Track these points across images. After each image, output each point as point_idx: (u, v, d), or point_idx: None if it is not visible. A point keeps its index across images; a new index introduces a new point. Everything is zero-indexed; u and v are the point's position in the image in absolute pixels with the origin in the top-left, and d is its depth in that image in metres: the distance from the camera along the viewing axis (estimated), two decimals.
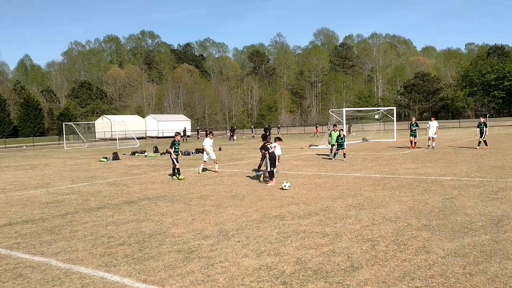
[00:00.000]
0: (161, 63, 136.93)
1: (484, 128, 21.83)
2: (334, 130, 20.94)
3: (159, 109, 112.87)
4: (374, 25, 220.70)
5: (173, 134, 71.34)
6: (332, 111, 36.20)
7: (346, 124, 34.34)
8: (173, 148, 15.43)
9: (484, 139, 21.87)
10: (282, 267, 5.50)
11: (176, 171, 15.22)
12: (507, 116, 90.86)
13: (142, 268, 5.74)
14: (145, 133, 70.78)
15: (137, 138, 49.54)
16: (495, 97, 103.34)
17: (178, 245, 6.75)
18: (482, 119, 22.09)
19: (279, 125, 60.30)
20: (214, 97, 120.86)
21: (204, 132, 57.38)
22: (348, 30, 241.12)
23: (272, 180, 13.00)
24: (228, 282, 5.09)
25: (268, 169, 13.20)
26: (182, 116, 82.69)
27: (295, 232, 7.18)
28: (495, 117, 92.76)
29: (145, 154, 29.60)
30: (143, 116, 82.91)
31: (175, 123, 72.58)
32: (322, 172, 15.32)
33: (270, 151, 13.32)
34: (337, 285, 4.83)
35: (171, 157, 15.43)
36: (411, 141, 24.34)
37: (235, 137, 52.49)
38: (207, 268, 5.62)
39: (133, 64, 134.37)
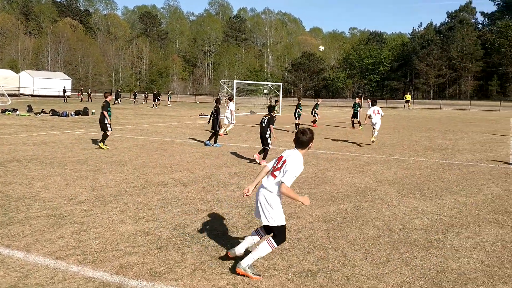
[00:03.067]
0: (40, 15, 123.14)
1: (358, 108, 23.26)
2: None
3: (36, 65, 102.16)
4: (267, 1, 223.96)
5: (50, 93, 64.66)
6: (223, 82, 36.41)
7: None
8: (107, 111, 12.99)
9: (358, 119, 22.83)
10: (160, 233, 5.50)
11: (104, 137, 12.94)
12: (379, 99, 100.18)
13: (6, 233, 5.30)
14: (19, 90, 63.82)
15: (9, 95, 44.48)
16: (371, 80, 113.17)
17: (48, 210, 6.34)
18: (357, 100, 23.55)
19: (170, 92, 58.75)
20: (100, 56, 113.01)
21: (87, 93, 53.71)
22: (242, 2, 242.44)
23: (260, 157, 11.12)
24: (101, 247, 4.95)
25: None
26: (61, 74, 75.96)
27: (177, 199, 7.19)
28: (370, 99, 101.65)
29: (17, 113, 26.90)
30: (17, 72, 74.43)
31: (54, 81, 66.55)
32: (209, 141, 15.43)
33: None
34: (212, 248, 5.00)
35: (105, 121, 12.88)
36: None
37: (120, 100, 50.11)
38: (79, 233, 5.39)
39: (8, 13, 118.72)
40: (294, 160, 4.15)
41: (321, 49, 9.91)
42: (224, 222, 6.03)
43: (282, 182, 4.10)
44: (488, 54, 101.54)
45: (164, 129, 19.84)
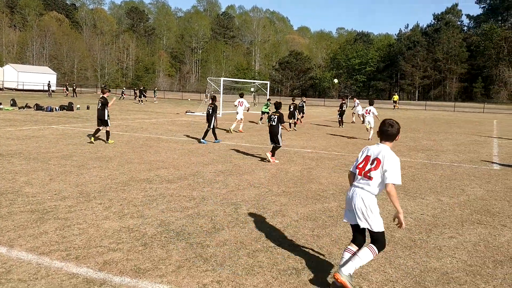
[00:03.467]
0: (26, 8, 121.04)
1: (344, 107, 23.54)
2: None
3: (21, 59, 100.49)
4: None
5: (35, 88, 63.64)
6: (210, 79, 36.30)
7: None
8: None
9: (340, 119, 23.22)
10: (144, 229, 5.46)
11: (108, 134, 13.28)
12: (365, 99, 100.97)
13: None
14: (2, 84, 62.75)
15: None
16: (357, 80, 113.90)
17: (32, 205, 6.25)
18: (343, 100, 23.83)
19: (155, 88, 58.21)
20: (85, 51, 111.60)
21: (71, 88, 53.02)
22: (231, 0, 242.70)
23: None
24: (84, 243, 4.89)
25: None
26: (46, 69, 74.93)
27: (162, 196, 7.15)
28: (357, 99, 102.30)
29: (1, 107, 26.43)
30: (1, 65, 73.16)
31: (38, 76, 65.67)
32: (195, 139, 15.38)
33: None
34: (197, 246, 4.98)
35: (105, 117, 13.08)
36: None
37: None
38: (63, 229, 5.32)
39: None
40: (393, 159, 3.92)
41: (335, 82, 9.95)
42: (210, 219, 6.01)
43: (393, 183, 3.85)
44: (473, 56, 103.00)
45: (150, 125, 19.70)
